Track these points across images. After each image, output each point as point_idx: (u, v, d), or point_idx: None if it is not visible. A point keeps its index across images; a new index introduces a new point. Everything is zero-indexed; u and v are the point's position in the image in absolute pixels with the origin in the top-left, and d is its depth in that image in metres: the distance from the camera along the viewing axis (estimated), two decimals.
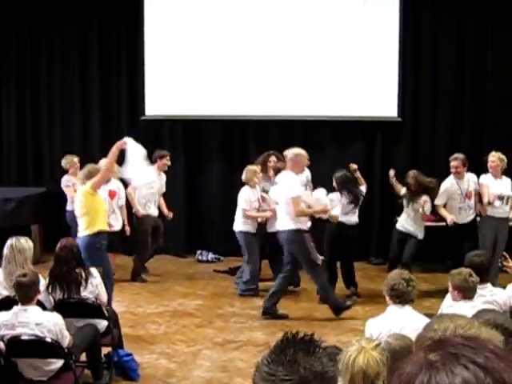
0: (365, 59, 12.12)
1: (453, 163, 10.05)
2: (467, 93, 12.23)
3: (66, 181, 11.10)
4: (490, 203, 9.96)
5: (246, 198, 10.15)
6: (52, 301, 6.86)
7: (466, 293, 5.98)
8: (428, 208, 10.11)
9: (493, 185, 10.03)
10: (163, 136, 12.78)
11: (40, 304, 6.35)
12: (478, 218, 10.35)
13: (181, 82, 12.36)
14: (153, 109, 12.51)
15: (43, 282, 6.71)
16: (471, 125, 12.25)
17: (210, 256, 12.30)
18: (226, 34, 12.26)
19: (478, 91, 12.21)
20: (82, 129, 12.83)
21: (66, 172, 11.21)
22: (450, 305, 5.94)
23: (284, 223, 9.10)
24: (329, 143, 12.23)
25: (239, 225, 10.26)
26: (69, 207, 10.79)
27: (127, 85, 12.69)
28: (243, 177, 10.22)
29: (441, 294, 7.62)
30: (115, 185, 10.49)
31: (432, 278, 10.84)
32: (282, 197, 9.09)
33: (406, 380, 1.26)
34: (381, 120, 12.36)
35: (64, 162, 11.25)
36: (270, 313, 9.21)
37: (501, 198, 10.00)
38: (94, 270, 7.17)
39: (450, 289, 6.14)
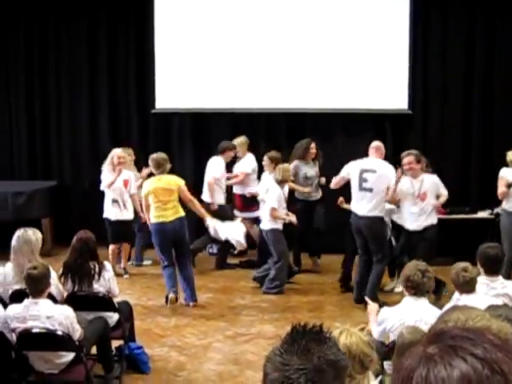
0: (375, 52, 12.08)
1: (405, 159, 9.31)
2: (476, 85, 12.19)
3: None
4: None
5: (279, 196, 9.99)
6: (64, 293, 6.90)
7: (462, 287, 5.96)
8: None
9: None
10: (172, 129, 12.79)
11: (51, 297, 6.37)
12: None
13: (190, 76, 12.37)
14: (162, 102, 12.51)
15: (54, 275, 6.72)
16: (481, 117, 12.19)
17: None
18: (236, 27, 12.24)
19: (488, 83, 12.16)
20: (91, 124, 12.84)
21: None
22: (458, 298, 5.93)
23: (374, 210, 9.18)
24: (339, 135, 12.20)
25: (266, 223, 10.14)
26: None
27: (136, 79, 12.67)
28: (278, 176, 10.02)
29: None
30: (127, 174, 10.72)
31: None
32: (379, 184, 9.13)
33: (405, 374, 1.26)
34: (391, 112, 12.34)
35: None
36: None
37: None
38: (107, 264, 7.21)
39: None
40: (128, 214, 10.85)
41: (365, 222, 9.22)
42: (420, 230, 9.23)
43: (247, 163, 11.56)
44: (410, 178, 9.26)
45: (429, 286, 5.72)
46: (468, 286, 5.96)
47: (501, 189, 9.54)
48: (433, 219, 9.33)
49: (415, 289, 5.70)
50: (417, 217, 9.24)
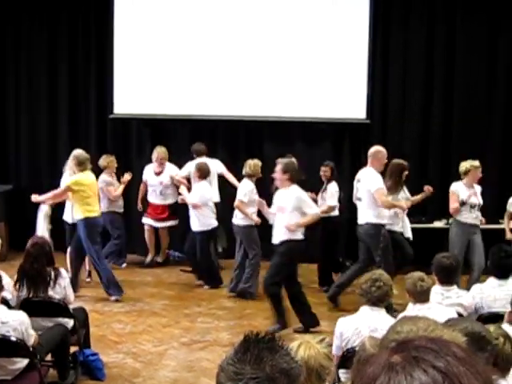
0: (334, 61, 12.16)
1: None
2: (436, 95, 12.33)
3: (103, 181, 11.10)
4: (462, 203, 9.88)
5: (249, 191, 10.10)
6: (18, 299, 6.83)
7: (417, 296, 6.02)
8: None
9: (463, 193, 9.84)
10: (131, 135, 12.75)
11: (5, 302, 6.30)
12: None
13: (149, 81, 12.34)
14: (121, 107, 12.46)
15: (8, 281, 6.66)
16: (440, 127, 12.34)
17: (178, 255, 12.23)
18: (195, 35, 12.21)
19: (447, 94, 12.31)
20: (50, 127, 12.73)
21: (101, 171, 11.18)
22: (412, 308, 5.98)
23: (365, 217, 9.35)
24: (297, 144, 12.21)
25: (239, 219, 10.27)
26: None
27: (96, 84, 12.60)
28: (248, 170, 10.24)
29: None
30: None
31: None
32: (365, 192, 9.32)
33: (367, 381, 1.27)
34: (349, 121, 12.42)
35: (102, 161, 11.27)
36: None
37: (472, 206, 9.91)
38: (63, 271, 7.15)
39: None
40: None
41: (359, 230, 9.54)
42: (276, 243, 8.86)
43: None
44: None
45: (380, 295, 5.71)
46: (424, 296, 6.02)
47: (453, 204, 9.76)
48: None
49: (365, 297, 5.74)
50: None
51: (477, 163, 9.82)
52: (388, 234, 9.46)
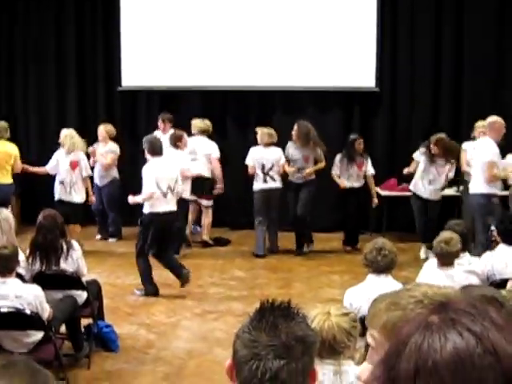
0: (343, 30, 12.12)
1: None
2: (445, 63, 12.27)
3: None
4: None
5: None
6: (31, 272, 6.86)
7: (441, 259, 6.06)
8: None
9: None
10: (140, 107, 12.75)
11: (19, 276, 6.34)
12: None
13: (157, 53, 12.32)
14: (129, 80, 12.45)
15: (22, 255, 6.69)
16: (450, 95, 12.31)
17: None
18: (205, 5, 12.19)
19: (456, 61, 12.25)
20: (59, 102, 12.75)
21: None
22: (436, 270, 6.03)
23: (477, 187, 9.43)
24: (308, 113, 12.10)
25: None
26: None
27: (103, 56, 12.62)
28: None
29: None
30: (77, 156, 10.59)
31: (409, 247, 10.89)
32: (479, 161, 9.44)
33: (403, 338, 1.27)
34: (359, 90, 12.39)
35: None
36: None
37: None
38: (75, 243, 7.16)
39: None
40: (75, 197, 10.69)
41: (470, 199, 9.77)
42: None
43: None
44: None
45: (386, 263, 5.72)
46: (449, 258, 6.06)
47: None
48: None
49: (371, 266, 5.75)
50: None
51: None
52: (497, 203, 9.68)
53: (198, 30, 12.19)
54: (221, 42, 12.22)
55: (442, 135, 10.36)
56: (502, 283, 6.34)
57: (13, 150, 10.72)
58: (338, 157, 11.00)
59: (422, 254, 10.45)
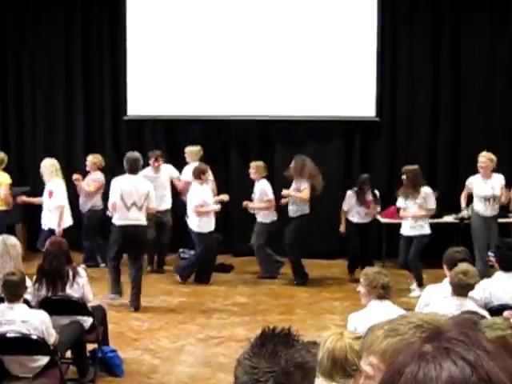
0: (344, 61, 12.16)
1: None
2: (444, 92, 12.30)
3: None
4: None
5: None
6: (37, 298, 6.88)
7: (457, 289, 6.06)
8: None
9: (481, 186, 10.13)
10: (145, 136, 12.78)
11: (26, 302, 6.36)
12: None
13: (162, 83, 12.38)
14: (135, 109, 12.51)
15: (28, 281, 6.72)
16: (448, 123, 12.32)
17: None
18: (207, 37, 12.26)
19: (454, 91, 12.29)
20: (66, 130, 12.78)
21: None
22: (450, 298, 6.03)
23: None
24: (309, 142, 12.20)
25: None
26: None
27: (110, 86, 12.66)
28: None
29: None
30: (51, 185, 10.57)
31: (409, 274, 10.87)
32: None
33: (398, 367, 1.28)
34: (360, 120, 12.42)
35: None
36: None
37: (487, 199, 10.10)
38: (81, 270, 7.21)
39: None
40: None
41: None
42: None
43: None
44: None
45: (386, 290, 5.78)
46: (464, 289, 6.06)
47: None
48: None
49: (373, 292, 5.77)
50: None
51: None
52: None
53: (201, 61, 12.27)
54: (222, 73, 12.28)
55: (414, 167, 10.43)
56: (501, 309, 6.35)
57: (3, 179, 10.79)
58: (349, 193, 10.98)
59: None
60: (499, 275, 7.01)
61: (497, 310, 6.36)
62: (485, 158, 10.05)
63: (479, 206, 10.16)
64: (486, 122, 12.18)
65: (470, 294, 6.58)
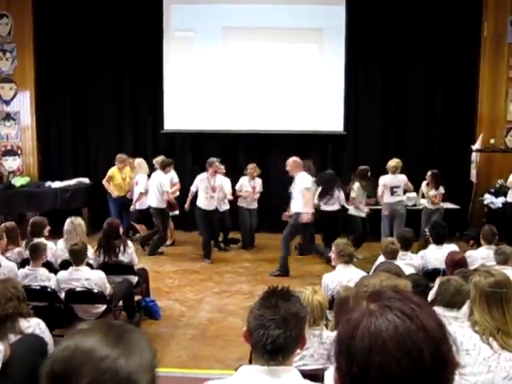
0: (320, 91, 12.18)
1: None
2: (392, 114, 12.31)
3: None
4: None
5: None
6: (97, 262, 6.89)
7: (388, 255, 6.06)
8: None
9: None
10: (176, 146, 12.73)
11: (89, 265, 6.37)
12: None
13: (190, 106, 12.38)
14: (170, 125, 12.49)
15: (91, 250, 6.72)
16: (396, 136, 12.34)
17: None
18: (221, 77, 12.28)
19: (400, 112, 12.29)
20: (118, 139, 12.76)
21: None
22: (381, 262, 6.00)
23: None
24: (292, 152, 11.94)
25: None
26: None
27: (151, 109, 12.61)
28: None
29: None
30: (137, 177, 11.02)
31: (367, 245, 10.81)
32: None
33: (354, 324, 1.27)
34: (331, 134, 12.37)
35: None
36: None
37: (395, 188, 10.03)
38: (129, 242, 7.21)
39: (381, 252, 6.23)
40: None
41: None
42: None
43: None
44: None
45: (350, 255, 5.80)
46: (394, 254, 6.06)
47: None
48: None
49: (345, 258, 5.78)
50: None
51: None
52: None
53: (217, 93, 12.28)
54: (232, 100, 12.29)
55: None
56: (434, 271, 6.37)
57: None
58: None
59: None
60: (432, 247, 7.01)
61: (431, 273, 6.38)
62: (394, 162, 10.01)
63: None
64: (424, 138, 12.16)
65: (411, 261, 6.59)
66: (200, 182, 9.97)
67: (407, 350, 1.21)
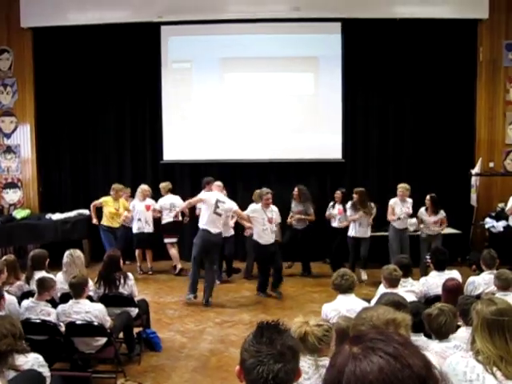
0: (320, 122, 12.23)
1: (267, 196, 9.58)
2: (390, 140, 12.35)
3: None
4: (398, 219, 10.15)
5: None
6: (98, 294, 6.86)
7: (391, 282, 6.02)
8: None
9: (398, 206, 10.29)
10: (175, 175, 12.74)
11: (89, 297, 6.34)
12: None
13: (188, 138, 12.43)
14: (168, 155, 12.54)
15: (91, 282, 6.69)
16: (392, 164, 12.36)
17: None
18: (218, 109, 12.34)
19: (398, 138, 12.33)
20: (118, 170, 12.79)
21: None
22: (383, 291, 5.95)
23: None
24: (293, 179, 12.11)
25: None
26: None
27: (150, 141, 12.68)
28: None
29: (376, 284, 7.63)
30: (150, 201, 11.39)
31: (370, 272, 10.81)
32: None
33: (339, 369, 1.27)
34: (330, 161, 12.40)
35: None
36: None
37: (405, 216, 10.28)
38: (129, 274, 7.18)
39: (382, 279, 6.18)
40: (148, 228, 11.25)
41: None
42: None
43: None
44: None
45: (349, 285, 5.71)
46: (396, 282, 6.02)
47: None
48: None
49: (338, 289, 5.73)
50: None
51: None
52: None
53: (215, 124, 12.33)
54: (231, 131, 12.33)
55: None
56: (435, 298, 6.32)
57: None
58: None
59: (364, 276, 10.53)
60: (433, 273, 6.98)
61: (433, 300, 6.33)
62: (402, 187, 10.28)
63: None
64: (423, 163, 12.19)
65: (413, 288, 6.55)
66: (252, 213, 9.56)
67: None
